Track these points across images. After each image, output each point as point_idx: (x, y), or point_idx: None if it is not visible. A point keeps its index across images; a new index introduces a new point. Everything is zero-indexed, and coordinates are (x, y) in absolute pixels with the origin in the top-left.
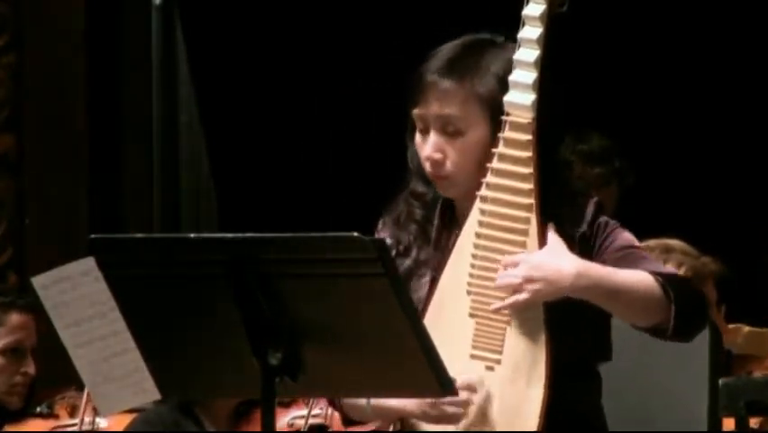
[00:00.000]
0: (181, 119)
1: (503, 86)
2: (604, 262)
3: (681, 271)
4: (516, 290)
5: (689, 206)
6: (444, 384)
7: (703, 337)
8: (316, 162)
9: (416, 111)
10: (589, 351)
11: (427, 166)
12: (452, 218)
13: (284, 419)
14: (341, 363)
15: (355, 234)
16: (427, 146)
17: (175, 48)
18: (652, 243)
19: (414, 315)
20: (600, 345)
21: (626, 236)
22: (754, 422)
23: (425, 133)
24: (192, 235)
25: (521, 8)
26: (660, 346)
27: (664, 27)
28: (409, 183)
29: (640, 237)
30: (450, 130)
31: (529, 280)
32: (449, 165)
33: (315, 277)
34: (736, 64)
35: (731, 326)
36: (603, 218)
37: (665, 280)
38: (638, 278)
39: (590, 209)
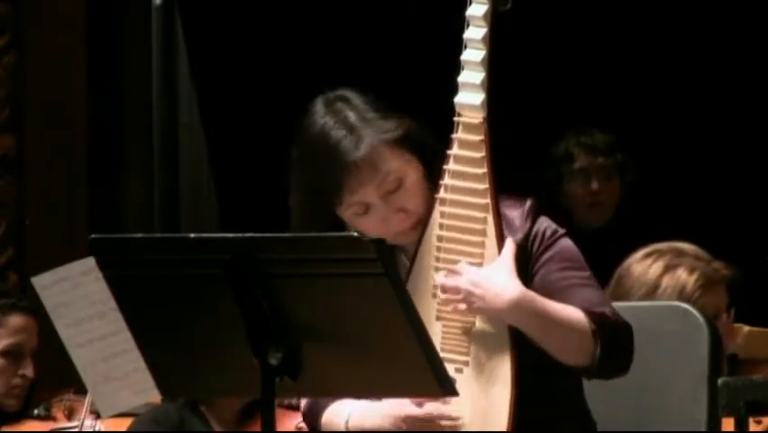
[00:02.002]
0: (181, 119)
1: (385, 117)
2: (541, 276)
3: (694, 277)
4: (462, 302)
5: (693, 207)
6: (444, 384)
7: (703, 338)
8: None
9: (344, 205)
10: None
11: (392, 232)
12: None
13: (293, 421)
14: (341, 363)
15: (355, 234)
16: (390, 214)
17: (175, 48)
18: (662, 246)
19: (413, 315)
20: None
21: (567, 251)
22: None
23: (365, 213)
24: (192, 235)
25: (464, 9)
26: (660, 346)
27: (664, 27)
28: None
29: (648, 240)
30: (391, 187)
31: (468, 294)
32: (413, 215)
33: (315, 277)
34: (736, 64)
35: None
36: (541, 226)
37: (597, 323)
38: (572, 318)
39: (525, 219)
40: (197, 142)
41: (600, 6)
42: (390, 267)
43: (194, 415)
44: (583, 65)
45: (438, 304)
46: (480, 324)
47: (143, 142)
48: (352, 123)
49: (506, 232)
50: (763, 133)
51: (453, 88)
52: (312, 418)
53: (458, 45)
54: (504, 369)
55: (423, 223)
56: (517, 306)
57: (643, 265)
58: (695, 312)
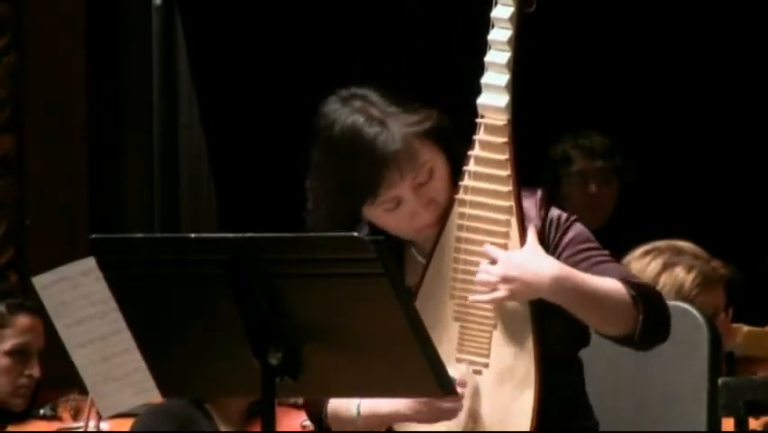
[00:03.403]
0: (181, 119)
1: (408, 110)
2: (565, 259)
3: (692, 275)
4: (493, 287)
5: (692, 207)
6: (444, 385)
7: (703, 337)
8: None
9: (378, 201)
10: (570, 341)
11: (419, 226)
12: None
13: (297, 420)
14: (341, 363)
15: (355, 234)
16: (421, 207)
17: (175, 48)
18: (662, 244)
19: (414, 315)
20: (579, 333)
21: (583, 233)
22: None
23: (395, 208)
24: (192, 235)
25: (490, 10)
26: (660, 346)
27: (663, 28)
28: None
29: (646, 239)
30: (423, 180)
31: (506, 279)
32: (440, 207)
33: (315, 277)
34: (735, 65)
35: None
36: (554, 213)
37: (636, 291)
38: (612, 287)
39: (539, 208)
40: (197, 142)
41: (599, 8)
42: (390, 267)
43: (200, 413)
44: (582, 65)
45: (457, 304)
46: (502, 327)
47: (143, 142)
48: (380, 118)
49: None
50: (763, 134)
51: (454, 88)
52: (315, 407)
53: (457, 45)
54: (528, 373)
55: (443, 218)
56: (558, 282)
57: (641, 263)
58: (695, 312)
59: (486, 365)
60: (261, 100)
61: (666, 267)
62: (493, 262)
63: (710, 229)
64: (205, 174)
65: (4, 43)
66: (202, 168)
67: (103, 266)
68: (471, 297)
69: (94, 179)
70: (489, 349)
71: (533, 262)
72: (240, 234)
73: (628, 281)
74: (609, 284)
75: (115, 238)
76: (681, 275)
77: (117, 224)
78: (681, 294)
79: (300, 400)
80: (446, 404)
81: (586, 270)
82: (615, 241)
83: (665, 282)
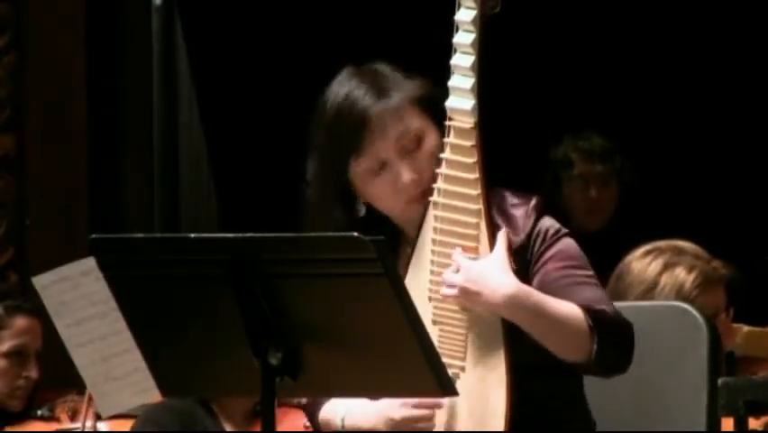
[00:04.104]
0: (181, 119)
1: (410, 77)
2: (541, 275)
3: (692, 275)
4: (451, 295)
5: (692, 207)
6: (444, 384)
7: (703, 337)
8: None
9: (361, 157)
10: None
11: (403, 196)
12: (396, 236)
13: (300, 420)
14: (341, 363)
15: (355, 234)
16: (402, 175)
17: (175, 48)
18: (662, 244)
19: (414, 315)
20: None
21: (568, 250)
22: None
23: (380, 171)
24: (192, 235)
25: (453, 13)
26: (659, 346)
27: (662, 28)
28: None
29: (647, 239)
30: (411, 147)
31: (464, 290)
32: (426, 177)
33: (315, 277)
34: (734, 65)
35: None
36: (544, 225)
37: (595, 320)
38: (570, 314)
39: (529, 217)
40: (197, 142)
41: (598, 9)
42: (390, 267)
43: (205, 412)
44: (581, 66)
45: (435, 307)
46: (475, 329)
47: (143, 142)
48: (376, 80)
49: (509, 230)
50: (762, 134)
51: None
52: (310, 414)
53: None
54: (499, 372)
55: (426, 197)
56: (513, 302)
57: (642, 263)
58: (694, 312)
59: (462, 369)
60: (261, 100)
61: (667, 267)
62: (457, 269)
63: (710, 229)
64: (205, 174)
65: (4, 43)
66: (202, 168)
67: (103, 266)
68: (437, 296)
69: (94, 179)
70: (464, 352)
71: (493, 278)
72: (240, 234)
73: (590, 309)
74: (567, 310)
75: (115, 238)
76: (682, 275)
77: (117, 224)
78: (681, 294)
79: (303, 400)
80: (422, 424)
81: (563, 288)
82: (615, 241)
83: (666, 282)
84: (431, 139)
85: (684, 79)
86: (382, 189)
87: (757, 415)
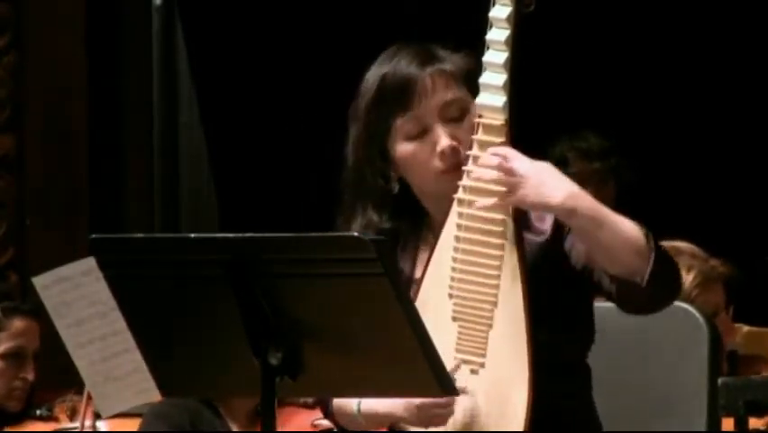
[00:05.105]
0: (181, 119)
1: (470, 63)
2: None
3: (691, 275)
4: (510, 186)
5: (692, 207)
6: (444, 384)
7: (702, 337)
8: (317, 162)
9: (404, 117)
10: (572, 346)
11: (439, 163)
12: (422, 221)
13: (307, 420)
14: (341, 362)
15: (355, 234)
16: (442, 138)
17: (175, 48)
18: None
19: (414, 315)
20: (584, 337)
21: None
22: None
23: (421, 136)
24: (192, 235)
25: (488, 10)
26: (659, 346)
27: (661, 28)
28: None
29: None
30: (454, 115)
31: (526, 180)
32: (463, 151)
33: (315, 277)
34: (733, 64)
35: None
36: None
37: (655, 241)
38: (631, 227)
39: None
40: (197, 142)
41: (595, 8)
42: (390, 267)
43: (211, 413)
44: (578, 65)
45: (455, 304)
46: (498, 326)
47: (143, 142)
48: (426, 49)
49: (536, 222)
50: (762, 134)
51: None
52: (323, 401)
53: (455, 44)
54: (522, 372)
55: (459, 172)
56: (573, 197)
57: None
58: (694, 312)
59: (482, 365)
60: (261, 100)
61: None
62: (505, 159)
63: (710, 229)
64: (205, 174)
65: (4, 43)
66: (202, 168)
67: (103, 266)
68: (478, 203)
69: (94, 179)
70: (485, 349)
71: (554, 172)
72: (240, 234)
73: (649, 233)
74: (629, 223)
75: (115, 238)
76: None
77: (117, 224)
78: (681, 295)
79: (309, 400)
80: (439, 410)
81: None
82: None
83: None
84: (473, 114)
85: (682, 78)
86: (421, 155)
87: (759, 415)
